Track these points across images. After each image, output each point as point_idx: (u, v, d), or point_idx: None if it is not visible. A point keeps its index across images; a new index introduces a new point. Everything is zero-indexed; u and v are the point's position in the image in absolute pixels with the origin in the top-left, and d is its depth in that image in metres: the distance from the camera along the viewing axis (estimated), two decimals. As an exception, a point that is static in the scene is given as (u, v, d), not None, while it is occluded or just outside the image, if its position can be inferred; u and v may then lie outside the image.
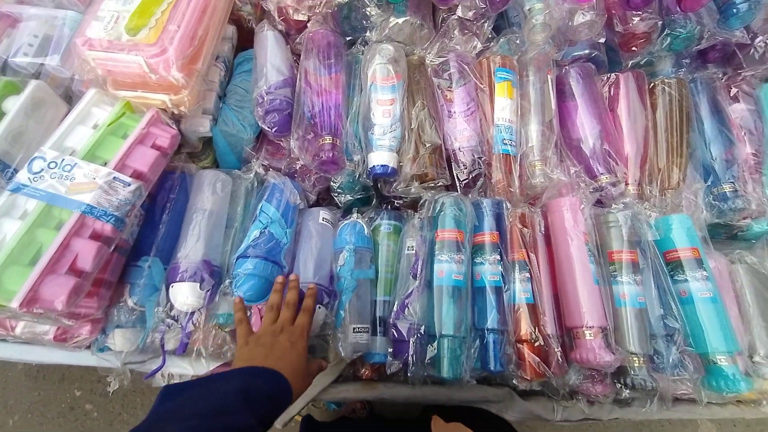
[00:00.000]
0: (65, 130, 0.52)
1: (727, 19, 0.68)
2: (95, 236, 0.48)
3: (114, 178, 0.49)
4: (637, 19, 0.68)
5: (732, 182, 0.71)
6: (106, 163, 0.50)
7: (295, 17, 0.71)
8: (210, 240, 0.58)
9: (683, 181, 0.73)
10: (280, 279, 0.55)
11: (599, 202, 0.71)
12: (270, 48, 0.72)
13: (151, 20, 0.52)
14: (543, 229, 0.67)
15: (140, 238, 0.58)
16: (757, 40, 0.73)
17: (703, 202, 0.72)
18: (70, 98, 0.62)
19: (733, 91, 0.78)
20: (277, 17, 0.73)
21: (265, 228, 0.60)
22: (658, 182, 0.73)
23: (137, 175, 0.52)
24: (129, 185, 0.50)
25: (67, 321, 0.50)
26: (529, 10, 0.71)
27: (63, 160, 0.49)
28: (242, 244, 0.59)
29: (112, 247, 0.50)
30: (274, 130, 0.66)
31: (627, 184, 0.72)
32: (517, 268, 0.62)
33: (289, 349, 0.48)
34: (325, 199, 0.77)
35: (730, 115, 0.77)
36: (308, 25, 0.74)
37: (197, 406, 0.37)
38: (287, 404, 0.45)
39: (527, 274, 0.61)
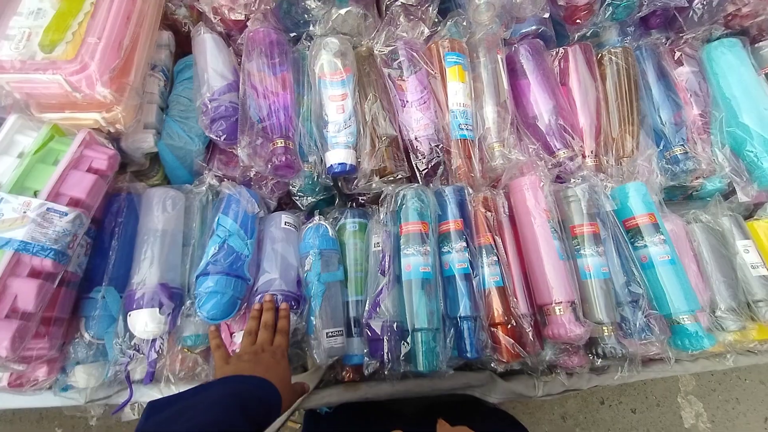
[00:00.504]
0: (-13, 164, 0.48)
1: (664, -17, 0.69)
2: (35, 274, 0.45)
3: (48, 209, 0.46)
4: (577, -9, 0.68)
5: (682, 145, 0.73)
6: (36, 194, 0.47)
7: (232, 17, 0.68)
8: (165, 262, 0.55)
9: (637, 148, 0.75)
10: (257, 306, 0.54)
11: (559, 178, 0.72)
12: (209, 52, 0.68)
13: (67, 34, 0.48)
14: (507, 210, 0.68)
15: (90, 267, 0.55)
16: (695, 2, 0.75)
17: (657, 167, 0.74)
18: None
19: (677, 54, 0.80)
20: (213, 18, 0.69)
21: (224, 242, 0.58)
22: (613, 151, 0.74)
23: (75, 203, 0.49)
24: (66, 215, 0.47)
25: (17, 366, 0.47)
26: (471, -9, 0.70)
27: (-12, 195, 0.45)
28: (201, 262, 0.56)
29: (57, 283, 0.47)
30: (222, 138, 0.63)
31: (584, 156, 0.73)
32: (484, 252, 0.62)
33: (274, 364, 0.47)
34: (287, 203, 0.75)
35: (676, 78, 0.79)
36: (248, 24, 0.70)
37: (190, 416, 0.35)
38: (277, 414, 0.44)
39: (495, 258, 0.61)
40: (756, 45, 0.81)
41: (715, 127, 0.76)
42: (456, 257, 0.60)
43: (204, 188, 0.62)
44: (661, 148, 0.75)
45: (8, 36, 0.48)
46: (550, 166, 0.71)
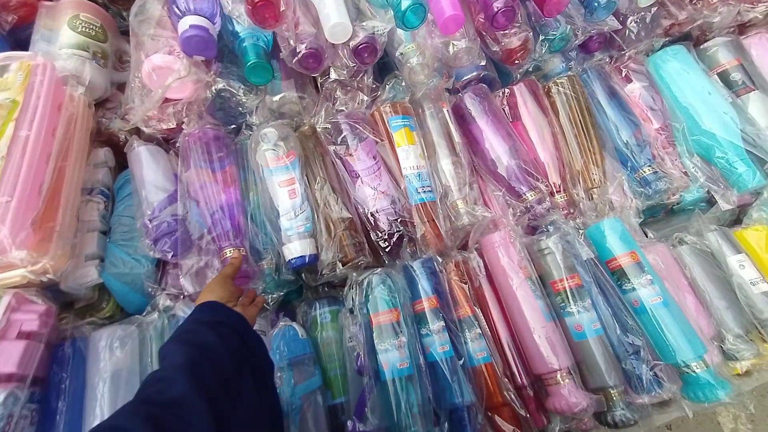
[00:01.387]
0: None
1: (593, 13, 0.68)
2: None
3: (-28, 395, 0.41)
4: (508, 36, 0.66)
5: (650, 165, 0.70)
6: (-41, 379, 0.43)
7: (164, 127, 0.65)
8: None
9: (605, 176, 0.72)
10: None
11: (532, 227, 0.68)
12: (146, 165, 0.66)
13: (-26, 199, 0.45)
14: (483, 270, 0.64)
15: (40, 435, 0.50)
16: (629, 20, 0.74)
17: (629, 191, 0.71)
18: None
19: (624, 72, 0.79)
20: (146, 129, 0.67)
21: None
22: (581, 182, 0.71)
23: (7, 378, 0.44)
24: (-5, 395, 0.42)
25: None
26: (401, 54, 0.68)
27: None
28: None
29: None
30: (171, 256, 0.60)
31: (552, 194, 0.70)
32: (465, 327, 0.58)
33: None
34: (255, 299, 0.71)
35: (628, 96, 0.77)
36: (183, 126, 0.68)
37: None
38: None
39: (478, 331, 0.57)
40: (701, 47, 0.80)
41: (678, 138, 0.74)
42: (436, 339, 0.56)
43: (155, 316, 0.58)
44: (629, 171, 0.72)
45: None
46: (519, 213, 0.68)
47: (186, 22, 0.58)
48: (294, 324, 0.60)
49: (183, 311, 0.57)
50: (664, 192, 0.69)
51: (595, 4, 0.66)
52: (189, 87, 0.63)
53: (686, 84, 0.75)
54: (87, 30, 0.70)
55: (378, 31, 0.63)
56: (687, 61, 0.77)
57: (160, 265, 0.65)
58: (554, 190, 0.71)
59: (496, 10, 0.63)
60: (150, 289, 0.61)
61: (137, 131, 0.71)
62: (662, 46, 0.80)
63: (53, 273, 0.50)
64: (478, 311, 0.58)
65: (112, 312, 0.62)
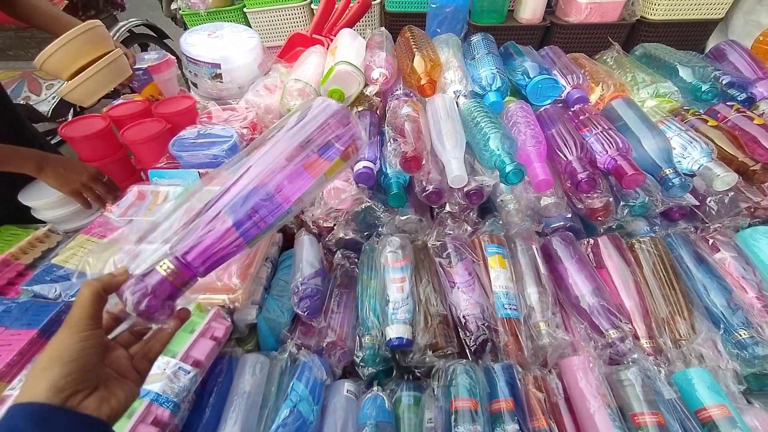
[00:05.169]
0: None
1: (669, 190, 0.82)
2: (155, 422, 0.57)
3: (179, 368, 0.62)
4: (591, 198, 0.84)
5: (745, 329, 0.72)
6: (174, 355, 0.64)
7: (325, 225, 0.95)
8: (245, 423, 0.64)
9: (693, 329, 0.74)
10: None
11: (613, 361, 0.72)
12: (305, 248, 0.93)
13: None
14: (561, 391, 0.68)
15: (187, 423, 0.66)
16: (708, 200, 0.86)
17: (725, 351, 0.71)
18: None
19: (711, 241, 0.87)
20: (311, 225, 0.97)
21: (294, 406, 0.66)
22: (667, 332, 0.75)
23: (196, 364, 0.64)
24: (189, 373, 0.62)
25: None
26: (501, 200, 0.91)
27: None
28: (273, 425, 0.64)
29: (165, 433, 0.58)
30: (306, 313, 0.80)
31: (637, 338, 0.75)
32: (539, 437, 0.61)
33: None
34: (351, 371, 0.84)
35: (716, 264, 0.83)
36: (334, 228, 0.97)
37: None
38: None
39: (551, 445, 0.60)
40: (795, 230, 0.85)
41: (780, 310, 0.75)
42: (509, 441, 0.60)
43: (285, 355, 0.75)
44: (722, 332, 0.73)
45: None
46: (600, 347, 0.73)
47: (360, 164, 0.91)
48: (383, 394, 0.71)
49: (305, 357, 0.74)
50: (764, 358, 0.68)
51: (670, 184, 0.81)
52: (349, 202, 0.93)
53: (782, 261, 0.79)
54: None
55: (486, 183, 0.88)
56: (780, 240, 0.83)
57: (294, 320, 0.85)
58: (639, 335, 0.75)
59: (580, 179, 0.83)
60: (283, 336, 0.80)
61: (300, 226, 1.03)
62: (749, 226, 0.88)
63: (240, 302, 0.74)
64: (554, 425, 0.62)
65: (253, 347, 0.82)
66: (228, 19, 1.68)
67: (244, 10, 1.66)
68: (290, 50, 1.46)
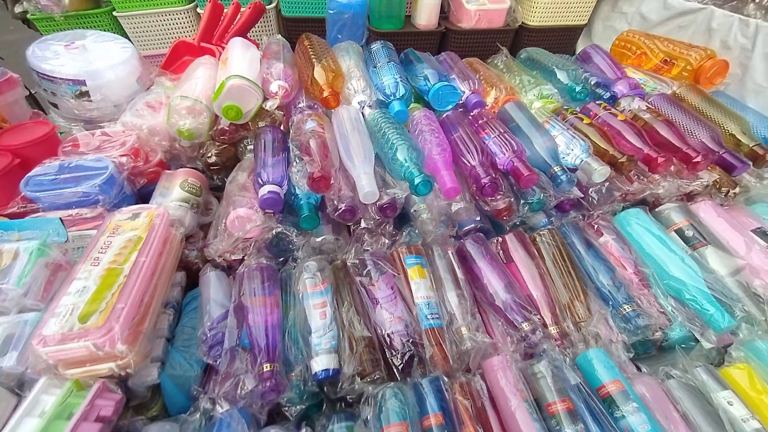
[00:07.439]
0: (12, 427, 0.55)
1: (558, 186, 0.91)
2: None
3: (51, 469, 0.50)
4: (495, 200, 0.89)
5: (628, 303, 0.82)
6: (45, 453, 0.52)
7: (233, 258, 0.86)
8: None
9: (590, 311, 0.83)
10: None
11: (530, 354, 0.77)
12: (212, 286, 0.84)
13: (101, 304, 0.63)
14: (486, 393, 0.71)
15: None
16: (590, 190, 0.97)
17: (615, 326, 0.81)
18: (21, 384, 0.66)
19: (595, 226, 0.98)
20: (217, 259, 0.88)
21: (213, 475, 0.59)
22: (569, 316, 0.82)
23: (77, 457, 0.53)
24: (67, 472, 0.51)
25: None
26: (415, 210, 0.91)
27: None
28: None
29: None
30: (219, 362, 0.72)
31: (546, 326, 0.81)
32: (469, 447, 0.62)
33: None
34: (278, 413, 0.78)
35: (601, 246, 0.94)
36: (244, 259, 0.89)
37: None
38: None
39: (481, 451, 0.62)
40: (656, 210, 1.00)
41: (651, 282, 0.87)
42: (441, 457, 0.60)
43: (198, 416, 0.66)
44: (611, 309, 0.83)
45: (56, 314, 0.62)
46: (516, 341, 0.78)
47: (265, 189, 0.85)
48: (313, 436, 0.67)
49: (221, 414, 0.66)
50: (646, 328, 0.79)
51: (559, 180, 0.90)
52: (258, 230, 0.86)
53: (649, 239, 0.93)
54: (191, 189, 0.99)
55: (398, 196, 0.88)
56: (645, 220, 0.96)
57: (206, 370, 0.76)
58: (546, 323, 0.82)
59: (483, 183, 0.87)
60: (195, 392, 0.71)
61: (206, 259, 0.92)
62: (623, 208, 1.01)
63: (133, 368, 0.63)
64: (480, 430, 0.64)
65: (158, 412, 0.71)
66: (93, 24, 1.45)
67: (115, 13, 1.44)
68: (176, 60, 1.31)
